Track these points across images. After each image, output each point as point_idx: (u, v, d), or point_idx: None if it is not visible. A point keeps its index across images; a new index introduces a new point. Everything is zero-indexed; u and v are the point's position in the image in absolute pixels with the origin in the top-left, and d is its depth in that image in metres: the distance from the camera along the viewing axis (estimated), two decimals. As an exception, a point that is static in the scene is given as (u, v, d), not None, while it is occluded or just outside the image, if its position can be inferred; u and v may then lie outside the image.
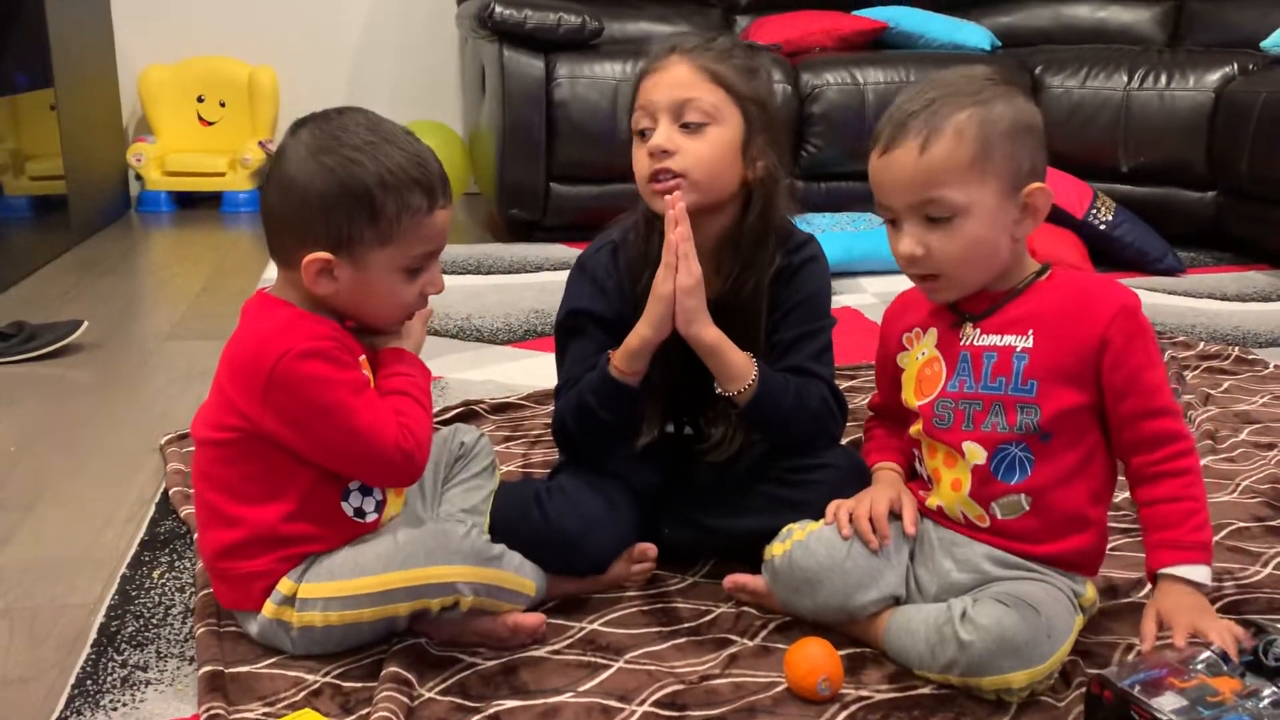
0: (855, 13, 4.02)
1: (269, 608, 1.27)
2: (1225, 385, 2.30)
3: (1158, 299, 3.05)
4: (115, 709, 1.20)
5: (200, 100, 4.30)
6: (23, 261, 3.24)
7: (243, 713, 1.18)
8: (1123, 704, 1.10)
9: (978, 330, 1.27)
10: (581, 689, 1.23)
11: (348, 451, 1.24)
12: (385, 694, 1.18)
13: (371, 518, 1.30)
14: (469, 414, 2.05)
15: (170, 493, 1.71)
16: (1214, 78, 3.57)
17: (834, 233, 3.28)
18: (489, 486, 1.45)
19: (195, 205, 4.29)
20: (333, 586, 1.24)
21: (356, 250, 1.23)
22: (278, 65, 4.31)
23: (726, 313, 1.45)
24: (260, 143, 4.17)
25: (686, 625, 1.37)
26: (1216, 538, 1.60)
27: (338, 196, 1.21)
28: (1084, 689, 1.19)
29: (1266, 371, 2.40)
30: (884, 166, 1.28)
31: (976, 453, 1.27)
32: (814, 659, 1.22)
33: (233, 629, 1.32)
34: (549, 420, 1.58)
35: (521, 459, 1.86)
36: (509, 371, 2.35)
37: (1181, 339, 2.59)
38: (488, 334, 2.63)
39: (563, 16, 3.43)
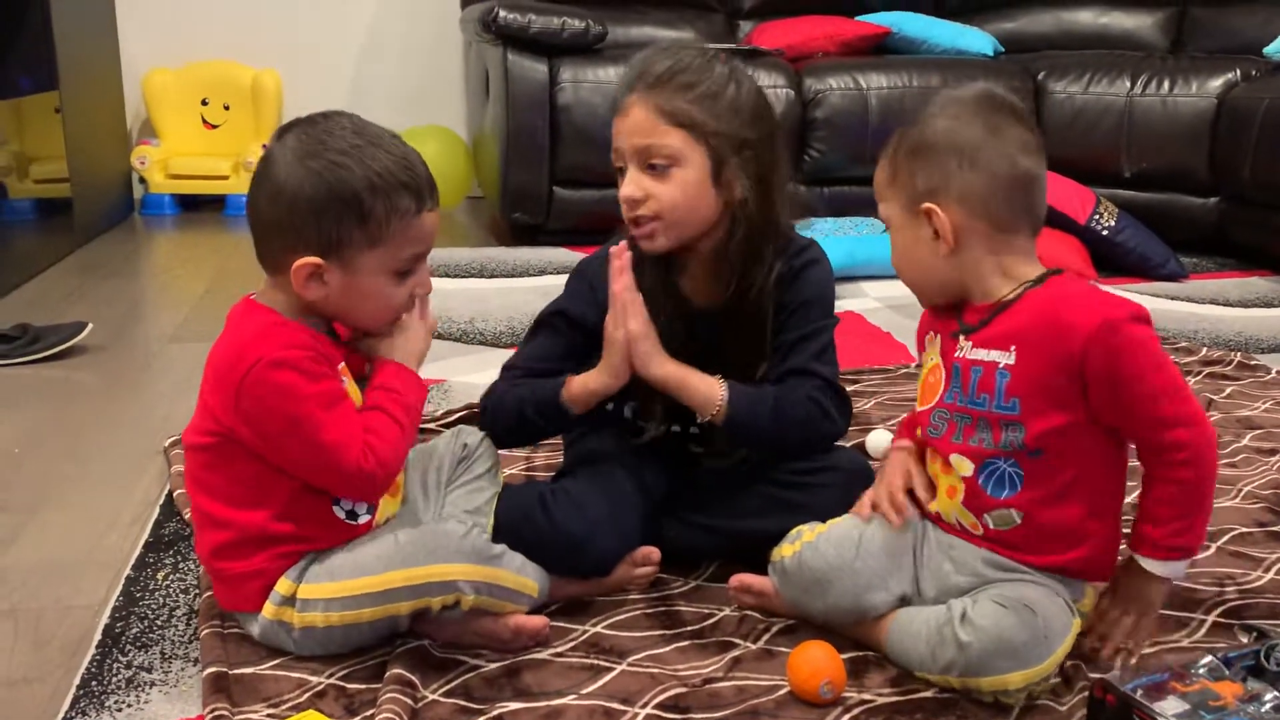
0: (858, 18, 4.03)
1: (269, 608, 1.27)
2: (1227, 391, 2.30)
3: (1160, 304, 3.05)
4: (120, 710, 1.20)
5: (204, 103, 4.31)
6: (27, 264, 3.24)
7: (247, 714, 1.18)
8: (1125, 708, 1.11)
9: (969, 343, 1.27)
10: (584, 691, 1.24)
11: (309, 464, 1.24)
12: (389, 695, 1.18)
13: (364, 519, 1.31)
14: (473, 417, 2.05)
15: (174, 495, 1.72)
16: (1216, 84, 3.57)
17: (836, 237, 3.28)
18: (492, 489, 1.45)
19: (199, 208, 4.30)
20: (333, 587, 1.25)
21: (346, 254, 1.24)
22: (282, 69, 4.32)
23: (732, 320, 1.47)
24: (264, 146, 4.17)
25: (690, 628, 1.38)
26: (1219, 543, 1.60)
27: (326, 201, 1.21)
28: (1086, 693, 1.20)
29: (1269, 377, 2.40)
30: None
31: (964, 465, 1.27)
32: (816, 662, 1.22)
33: (236, 630, 1.33)
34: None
35: (524, 462, 1.86)
36: None
37: (1184, 345, 2.60)
38: (491, 337, 2.63)
39: (567, 21, 3.43)
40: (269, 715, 1.19)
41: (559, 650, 1.32)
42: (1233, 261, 3.60)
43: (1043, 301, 1.22)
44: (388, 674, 1.23)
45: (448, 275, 3.21)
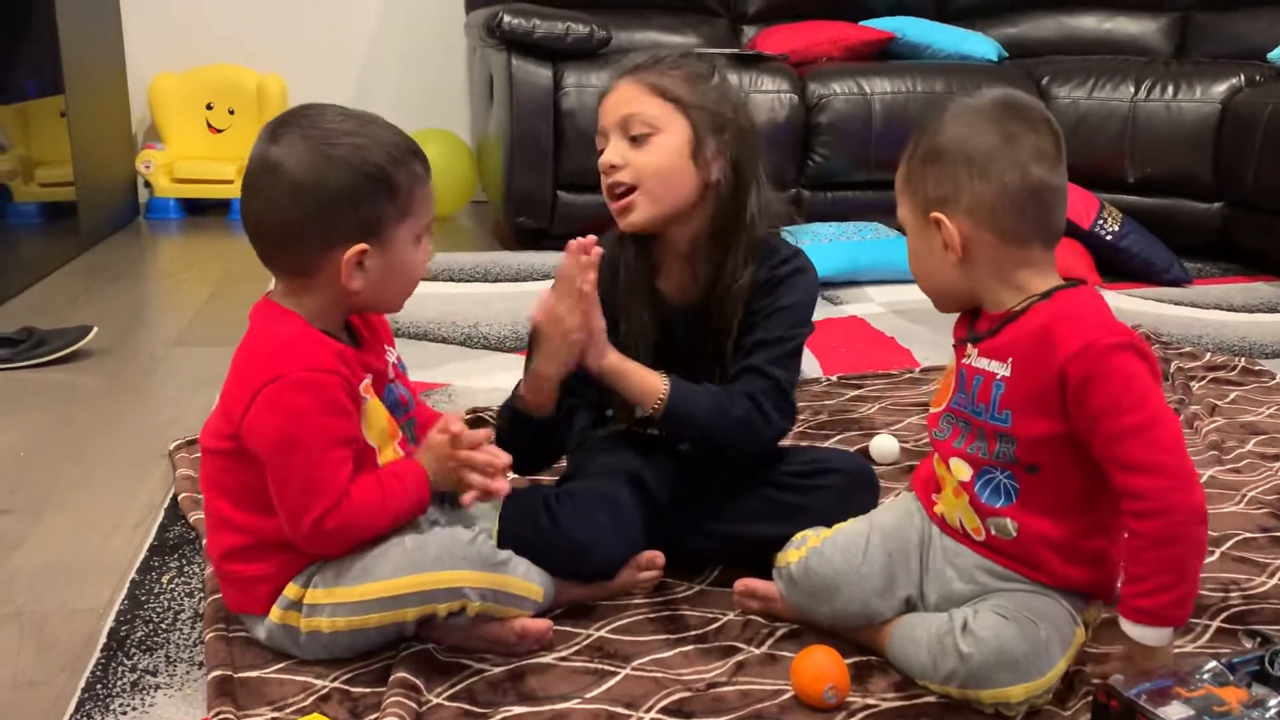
0: (862, 23, 4.03)
1: (275, 612, 1.27)
2: (1232, 396, 2.30)
3: (1164, 309, 3.05)
4: (125, 713, 1.20)
5: (209, 108, 4.32)
6: (32, 267, 3.25)
7: (252, 717, 1.19)
8: (1129, 713, 1.11)
9: (975, 351, 1.27)
10: (589, 695, 1.24)
11: (282, 489, 1.22)
12: (393, 699, 1.18)
13: None
14: (476, 421, 2.05)
15: (179, 498, 1.72)
16: (1221, 89, 3.57)
17: (841, 242, 3.28)
18: (497, 494, 1.46)
19: (204, 212, 4.30)
20: (339, 592, 1.25)
21: (384, 232, 1.24)
22: (286, 73, 4.33)
23: (704, 318, 1.48)
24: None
25: (694, 633, 1.38)
26: (1223, 548, 1.60)
27: (360, 184, 1.21)
28: (1090, 698, 1.20)
29: (1273, 382, 2.40)
30: None
31: (962, 469, 1.27)
32: (820, 667, 1.22)
33: (241, 634, 1.33)
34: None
35: (529, 466, 1.86)
36: (516, 379, 2.34)
37: (1188, 350, 2.60)
38: (495, 341, 2.63)
39: (571, 25, 3.44)
40: (273, 718, 1.19)
41: (563, 654, 1.32)
42: (1237, 267, 3.60)
43: (1043, 316, 1.20)
44: (392, 677, 1.23)
45: (452, 279, 3.21)
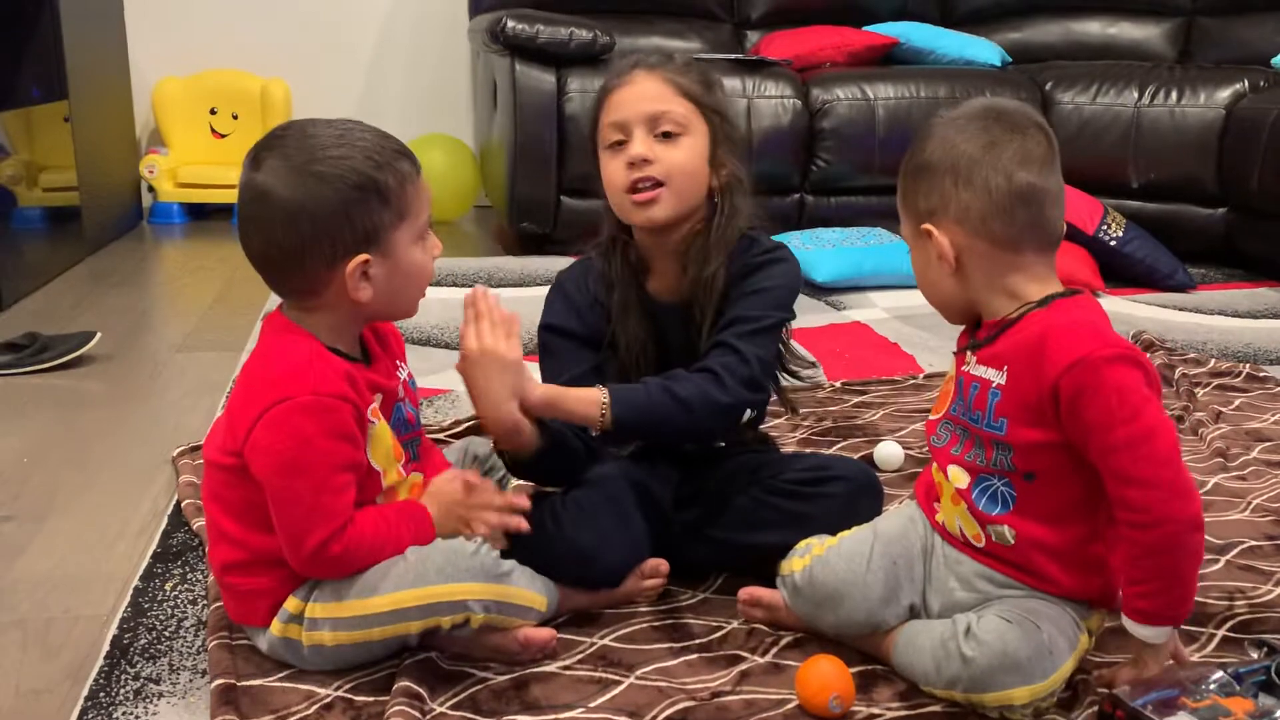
0: (866, 28, 4.03)
1: (276, 626, 1.27)
2: (1236, 403, 2.30)
3: (1168, 315, 3.05)
4: (128, 721, 1.20)
5: (213, 113, 4.32)
6: (36, 273, 3.25)
7: (255, 726, 1.19)
8: (1135, 724, 1.10)
9: (974, 358, 1.27)
10: (592, 705, 1.24)
11: (285, 513, 1.21)
12: (397, 708, 1.18)
13: None
14: (479, 427, 2.05)
15: (182, 505, 1.72)
16: (1224, 94, 3.57)
17: (844, 247, 3.28)
18: (500, 501, 1.46)
19: (207, 217, 4.31)
20: (342, 607, 1.24)
21: (382, 238, 1.24)
22: (290, 78, 4.33)
23: (687, 312, 1.50)
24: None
25: (698, 641, 1.37)
26: (1228, 556, 1.60)
27: (349, 195, 1.20)
28: (1095, 708, 1.19)
29: (1278, 389, 2.39)
30: None
31: (959, 476, 1.27)
32: (825, 676, 1.22)
33: (245, 642, 1.33)
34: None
35: (532, 473, 1.86)
36: None
37: (1192, 356, 2.59)
38: (498, 347, 2.63)
39: (574, 31, 3.44)
40: (277, 727, 1.19)
41: (567, 663, 1.32)
42: (1241, 272, 3.60)
43: (1038, 326, 1.20)
44: (395, 686, 1.23)
45: (455, 285, 3.21)
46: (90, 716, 1.21)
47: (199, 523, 1.63)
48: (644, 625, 1.41)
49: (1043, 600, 1.23)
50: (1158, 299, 3.22)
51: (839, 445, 2.01)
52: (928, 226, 1.24)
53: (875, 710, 1.23)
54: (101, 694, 1.25)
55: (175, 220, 4.23)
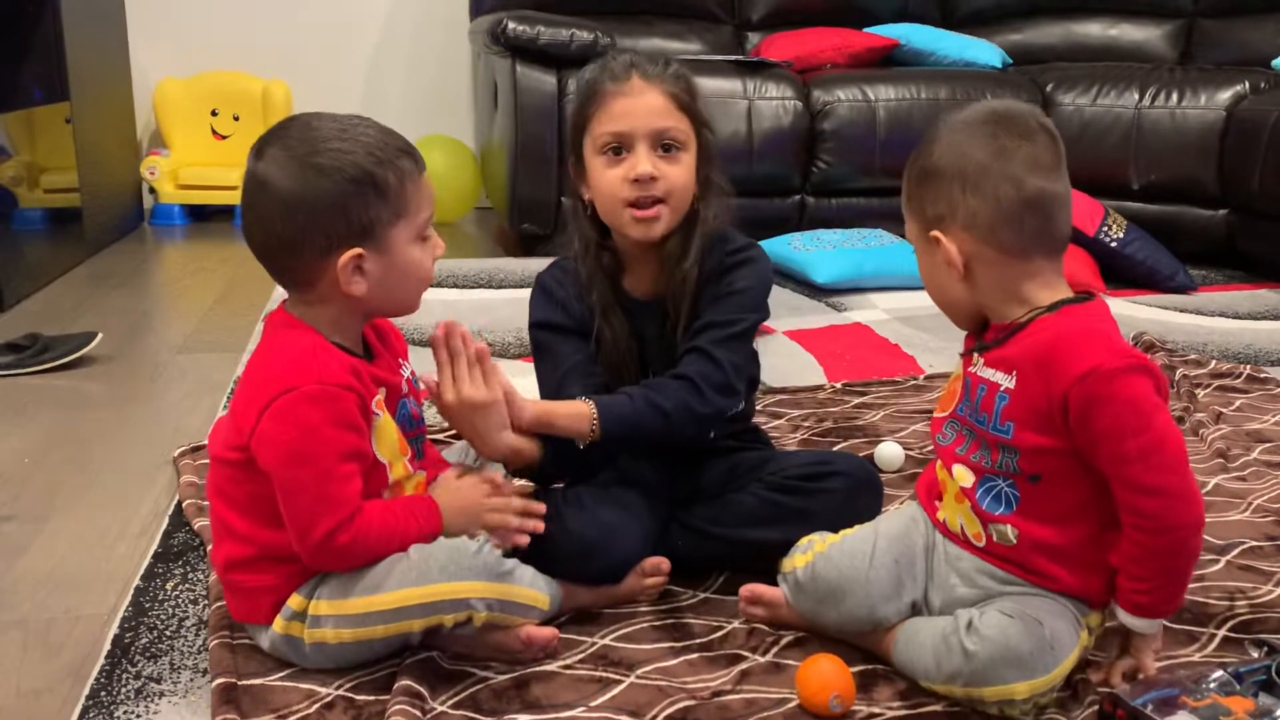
0: (866, 29, 4.03)
1: (279, 623, 1.27)
2: (1237, 404, 2.30)
3: (1169, 317, 3.05)
4: (129, 720, 1.20)
5: (214, 114, 4.32)
6: (37, 274, 3.25)
7: (256, 725, 1.19)
8: (1135, 723, 1.11)
9: (981, 360, 1.27)
10: (593, 704, 1.24)
11: (294, 504, 1.22)
12: (398, 707, 1.18)
13: None
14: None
15: (183, 505, 1.72)
16: (1225, 96, 3.57)
17: (845, 249, 3.28)
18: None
19: (208, 218, 4.31)
20: (344, 604, 1.25)
21: (379, 233, 1.24)
22: (291, 79, 4.33)
23: (664, 309, 1.51)
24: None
25: (698, 641, 1.38)
26: (1228, 557, 1.60)
27: (346, 188, 1.21)
28: (1096, 707, 1.20)
29: (1278, 390, 2.39)
30: None
31: (964, 475, 1.28)
32: (826, 675, 1.22)
33: (246, 641, 1.33)
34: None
35: (533, 473, 1.86)
36: (521, 385, 2.29)
37: (1193, 357, 2.59)
38: (499, 348, 2.63)
39: (575, 32, 3.44)
40: (278, 726, 1.19)
41: (567, 662, 1.32)
42: (1242, 274, 3.60)
43: (1048, 332, 1.20)
44: (396, 685, 1.23)
45: (456, 286, 3.21)
46: (91, 716, 1.21)
47: (200, 523, 1.63)
48: (645, 625, 1.41)
49: (1044, 597, 1.23)
50: (1158, 300, 3.23)
51: (839, 446, 2.02)
52: (936, 234, 1.24)
53: (876, 709, 1.23)
54: (103, 693, 1.25)
55: (176, 221, 4.23)
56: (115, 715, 1.21)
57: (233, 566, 1.29)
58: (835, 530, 1.38)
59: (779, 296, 3.09)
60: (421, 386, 1.40)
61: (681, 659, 1.33)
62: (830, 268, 3.20)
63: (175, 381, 2.39)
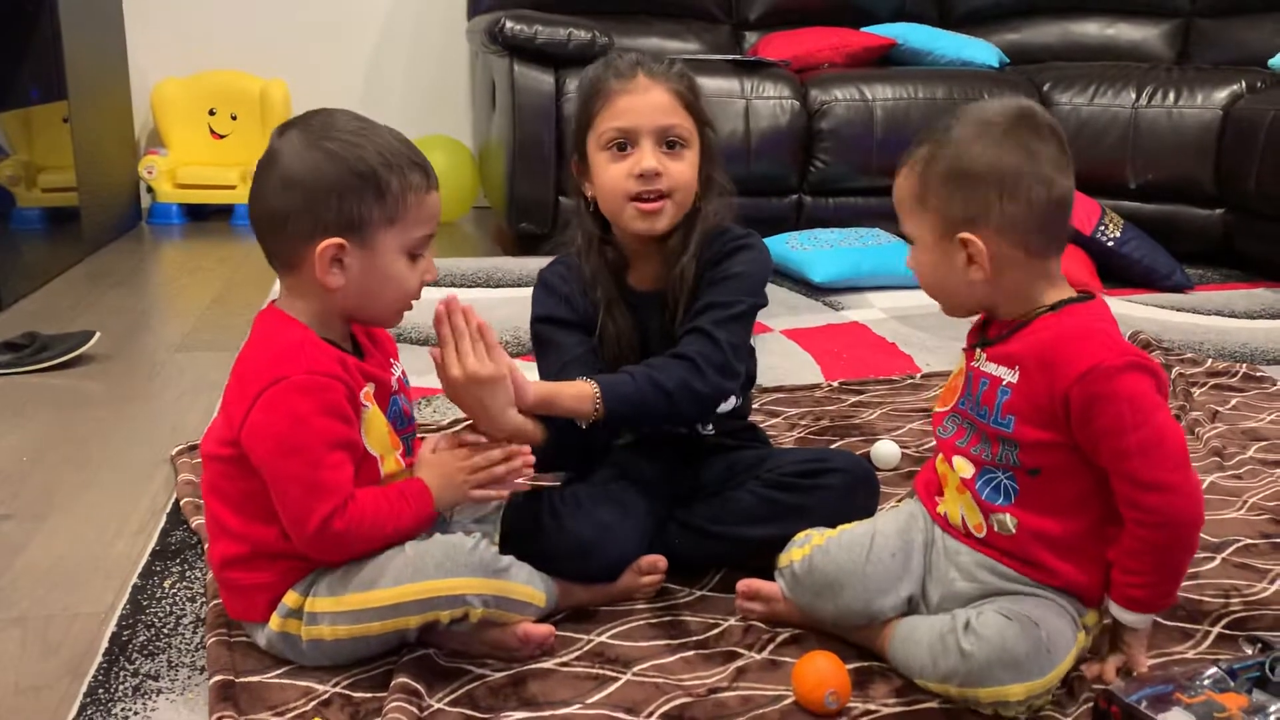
0: (864, 29, 4.04)
1: (275, 620, 1.28)
2: (1233, 402, 2.30)
3: (1166, 316, 3.05)
4: (127, 718, 1.21)
5: (212, 113, 4.32)
6: (35, 273, 3.26)
7: (253, 722, 1.19)
8: None
9: (984, 355, 1.28)
10: (590, 701, 1.24)
11: (286, 494, 1.22)
12: (395, 704, 1.18)
13: None
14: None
15: (181, 503, 1.72)
16: (1222, 95, 3.57)
17: (842, 248, 3.29)
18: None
19: (206, 218, 4.31)
20: (341, 601, 1.25)
21: (366, 232, 1.24)
22: (289, 79, 4.34)
23: (665, 300, 1.53)
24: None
25: (695, 638, 1.38)
26: (1223, 554, 1.61)
27: (346, 178, 1.22)
28: (1090, 704, 1.20)
29: (1274, 389, 2.40)
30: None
31: (964, 467, 1.28)
32: (822, 673, 1.23)
33: (243, 639, 1.33)
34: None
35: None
36: None
37: (1189, 356, 2.60)
38: (497, 347, 2.63)
39: (573, 31, 3.44)
40: (275, 723, 1.19)
41: (564, 660, 1.32)
42: (1238, 273, 3.60)
43: (1050, 331, 1.21)
44: (393, 682, 1.23)
45: (454, 285, 3.21)
46: (89, 713, 1.21)
47: (197, 521, 1.63)
48: (641, 622, 1.41)
49: (1043, 599, 1.24)
50: (1155, 299, 3.23)
51: (836, 444, 2.02)
52: (967, 235, 1.22)
53: (871, 706, 1.24)
54: (100, 690, 1.25)
55: (174, 221, 4.23)
56: (113, 713, 1.21)
57: (228, 564, 1.29)
58: (832, 527, 1.38)
59: (776, 295, 3.09)
60: (409, 385, 1.40)
61: (678, 656, 1.34)
62: (827, 267, 3.21)
63: (173, 380, 2.39)
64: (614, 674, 1.29)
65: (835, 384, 2.38)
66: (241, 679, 1.26)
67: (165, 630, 1.38)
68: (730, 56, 3.83)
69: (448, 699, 1.24)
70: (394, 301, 1.31)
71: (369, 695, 1.24)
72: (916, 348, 2.66)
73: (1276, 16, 4.08)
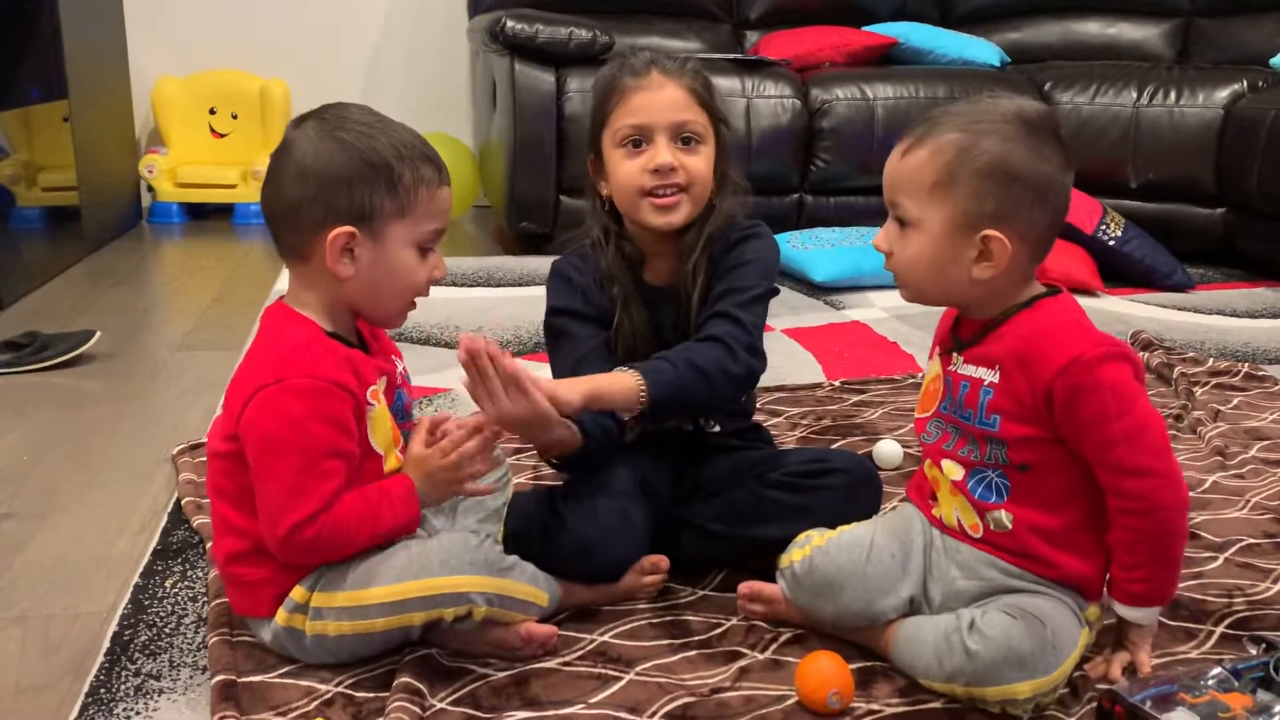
0: (865, 28, 4.04)
1: (281, 615, 1.27)
2: (1235, 401, 2.30)
3: (1167, 315, 3.05)
4: (128, 718, 1.20)
5: (212, 112, 4.33)
6: (35, 272, 3.26)
7: (255, 722, 1.19)
8: (1133, 719, 1.11)
9: (960, 358, 1.28)
10: (592, 700, 1.24)
11: (265, 490, 1.22)
12: (397, 704, 1.18)
13: None
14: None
15: (182, 502, 1.72)
16: (1223, 94, 3.57)
17: (843, 247, 3.28)
18: (502, 497, 1.46)
19: (207, 217, 4.31)
20: (346, 596, 1.25)
21: (377, 223, 1.25)
22: (290, 78, 4.34)
23: (679, 293, 1.53)
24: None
25: (697, 638, 1.38)
26: (1226, 554, 1.60)
27: (359, 168, 1.23)
28: (1095, 704, 1.20)
29: (1276, 388, 2.40)
30: (889, 159, 1.32)
31: (954, 469, 1.28)
32: (825, 672, 1.22)
33: (246, 638, 1.33)
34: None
35: (532, 470, 1.86)
36: None
37: (1191, 355, 2.60)
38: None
39: (574, 31, 3.44)
40: (277, 723, 1.19)
41: (567, 659, 1.32)
42: (1239, 272, 3.60)
43: (1027, 327, 1.22)
44: (396, 682, 1.23)
45: (454, 284, 3.21)
46: (91, 713, 1.21)
47: (199, 520, 1.63)
48: (644, 622, 1.41)
49: (1045, 596, 1.24)
50: (1156, 299, 3.23)
51: (838, 444, 2.02)
52: (994, 233, 1.21)
53: (874, 706, 1.24)
54: (102, 690, 1.25)
55: (174, 220, 4.23)
56: (115, 712, 1.21)
57: (232, 560, 1.29)
58: (834, 527, 1.38)
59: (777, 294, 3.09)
60: (416, 382, 1.39)
61: (680, 656, 1.34)
62: (829, 266, 3.21)
63: (174, 379, 2.39)
64: (617, 674, 1.29)
65: (837, 383, 2.38)
66: (243, 679, 1.26)
67: (167, 630, 1.38)
68: (731, 55, 3.83)
69: (450, 699, 1.23)
70: (401, 294, 1.31)
71: (371, 695, 1.24)
72: (918, 347, 2.66)
73: (1276, 16, 4.08)
